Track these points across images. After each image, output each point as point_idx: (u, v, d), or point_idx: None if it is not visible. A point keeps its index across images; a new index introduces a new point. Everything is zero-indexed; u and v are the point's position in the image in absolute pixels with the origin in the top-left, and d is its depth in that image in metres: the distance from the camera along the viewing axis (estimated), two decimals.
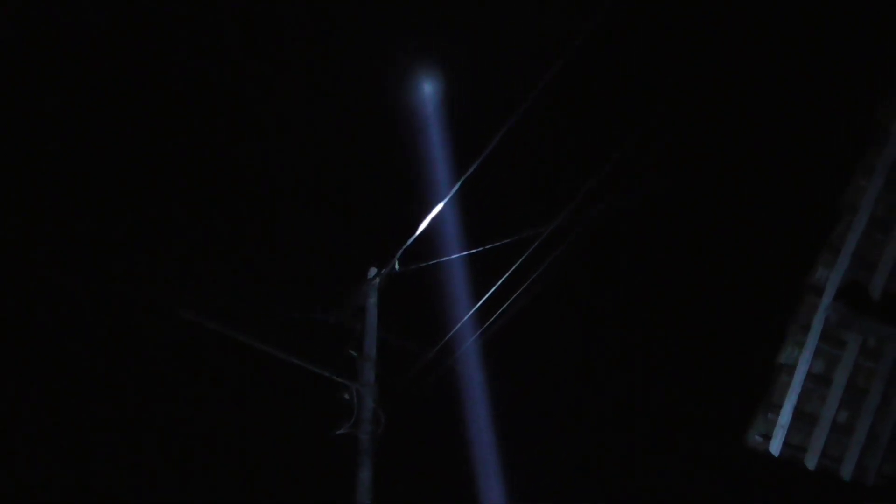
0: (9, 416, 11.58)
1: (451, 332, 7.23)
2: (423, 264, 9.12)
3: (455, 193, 8.45)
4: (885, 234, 5.14)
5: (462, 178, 8.28)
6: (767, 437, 5.21)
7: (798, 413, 5.24)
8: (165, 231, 12.81)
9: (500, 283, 6.93)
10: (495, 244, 8.49)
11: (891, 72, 5.22)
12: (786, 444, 5.25)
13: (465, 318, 6.97)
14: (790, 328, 5.12)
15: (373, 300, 9.08)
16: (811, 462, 5.33)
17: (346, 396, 8.20)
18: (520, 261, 6.87)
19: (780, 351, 5.15)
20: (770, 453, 5.22)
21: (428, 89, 10.42)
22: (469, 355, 7.78)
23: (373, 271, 9.23)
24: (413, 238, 8.79)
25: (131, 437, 11.95)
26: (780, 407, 5.21)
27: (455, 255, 9.22)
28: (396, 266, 9.09)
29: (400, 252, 8.93)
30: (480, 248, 8.80)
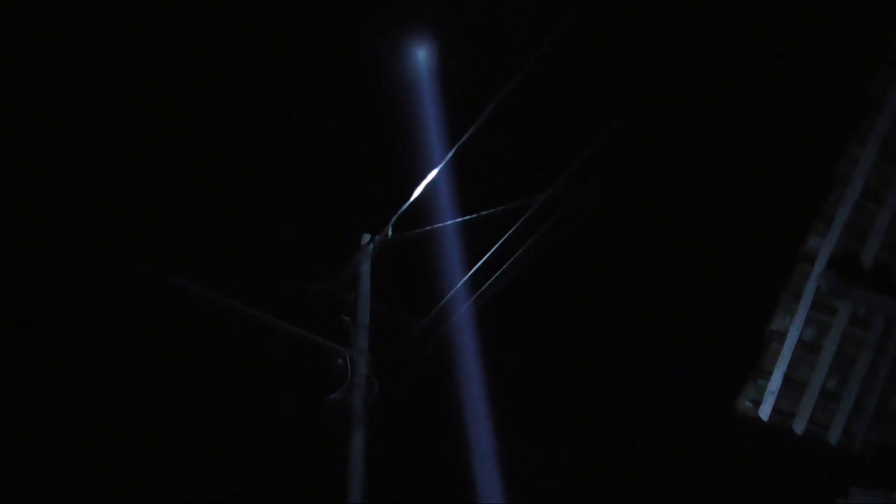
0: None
1: (444, 300, 7.26)
2: (417, 231, 9.12)
3: (449, 160, 8.45)
4: (877, 205, 5.18)
5: (456, 145, 8.28)
6: (757, 404, 5.29)
7: (788, 380, 5.31)
8: (158, 200, 12.75)
9: (493, 250, 6.95)
10: (490, 211, 8.50)
11: (884, 43, 5.22)
12: (775, 410, 5.32)
13: (458, 285, 7.00)
14: (782, 296, 5.17)
15: (366, 267, 9.09)
16: (799, 427, 5.42)
17: (340, 361, 8.26)
18: (513, 228, 6.88)
19: (771, 319, 5.20)
20: (759, 419, 5.30)
21: (421, 56, 10.33)
22: (463, 323, 7.81)
23: (366, 238, 9.23)
24: (407, 205, 8.78)
25: (121, 406, 12.01)
26: (770, 374, 5.28)
27: (449, 223, 9.22)
28: (390, 233, 9.11)
29: (394, 219, 8.93)
30: (474, 216, 8.80)
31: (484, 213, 8.64)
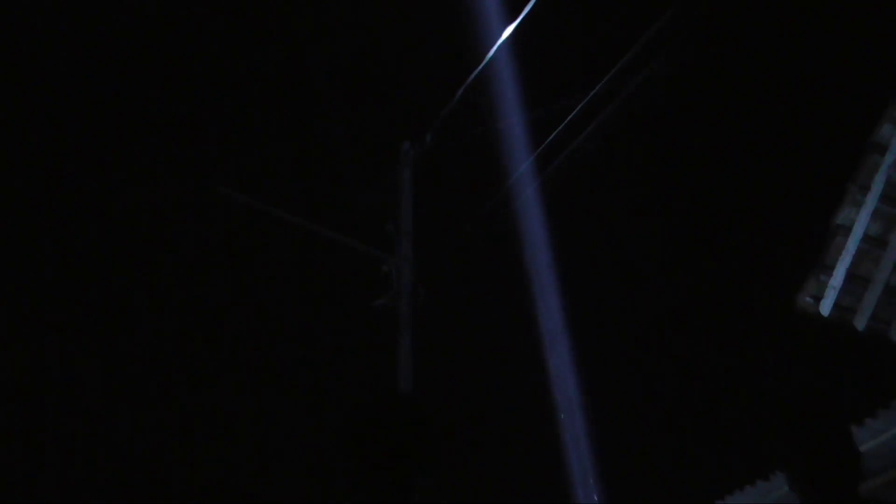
0: (47, 285, 11.88)
1: (501, 193, 7.15)
2: (458, 137, 8.98)
3: (488, 62, 8.23)
4: None
5: (495, 45, 8.04)
6: (818, 299, 5.17)
7: (850, 275, 5.17)
8: (204, 108, 12.71)
9: (542, 147, 6.78)
10: (531, 116, 8.31)
11: None
12: (836, 305, 5.20)
13: (519, 172, 6.85)
14: (849, 188, 4.98)
15: (407, 174, 9.01)
16: (860, 323, 5.30)
17: (385, 268, 8.30)
18: (562, 125, 6.69)
19: (837, 212, 5.03)
20: (819, 314, 5.19)
21: None
22: (526, 206, 7.66)
23: (407, 145, 9.13)
24: (446, 111, 8.63)
25: (169, 313, 12.26)
26: (832, 269, 5.14)
27: (490, 127, 9.05)
28: (429, 140, 8.99)
29: (434, 126, 8.80)
30: (517, 117, 8.62)
31: (526, 117, 8.47)
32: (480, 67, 8.28)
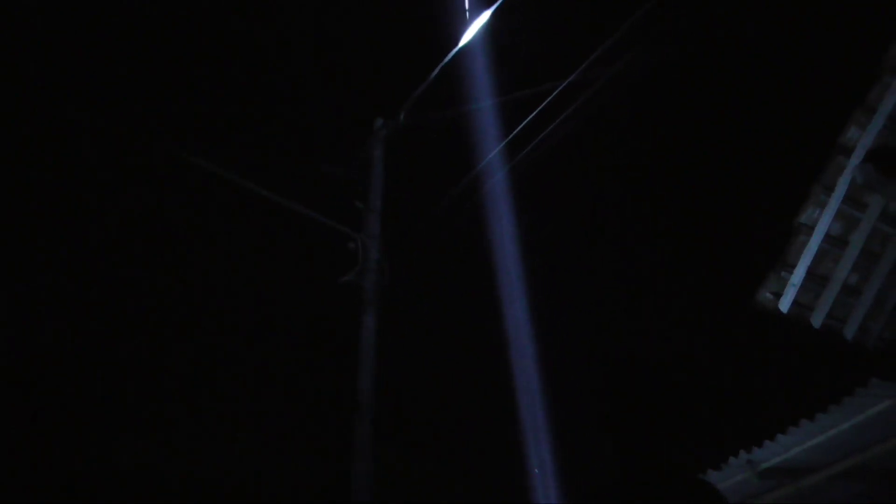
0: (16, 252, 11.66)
1: (466, 179, 7.16)
2: (430, 116, 8.96)
3: (467, 45, 8.21)
4: None
5: (473, 26, 8.01)
6: (778, 295, 5.28)
7: (810, 273, 5.28)
8: (177, 78, 12.50)
9: (516, 132, 6.79)
10: (506, 98, 8.31)
11: None
12: (795, 302, 5.31)
13: (481, 164, 6.88)
14: (814, 188, 5.07)
15: (379, 152, 8.96)
16: (817, 321, 5.43)
17: (351, 245, 8.28)
18: (537, 111, 6.70)
19: (801, 211, 5.12)
20: (779, 311, 5.30)
21: None
22: (493, 194, 7.71)
23: (379, 122, 9.07)
24: (420, 90, 8.59)
25: (138, 281, 12.11)
26: (793, 266, 5.24)
27: (465, 108, 9.03)
28: (402, 118, 8.95)
29: (407, 105, 8.76)
30: (491, 101, 8.62)
31: (500, 98, 8.48)
32: (458, 49, 8.26)
